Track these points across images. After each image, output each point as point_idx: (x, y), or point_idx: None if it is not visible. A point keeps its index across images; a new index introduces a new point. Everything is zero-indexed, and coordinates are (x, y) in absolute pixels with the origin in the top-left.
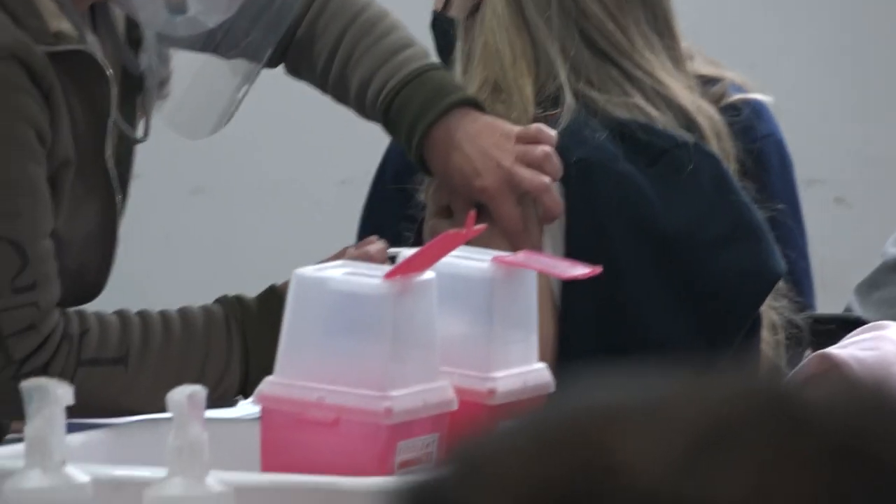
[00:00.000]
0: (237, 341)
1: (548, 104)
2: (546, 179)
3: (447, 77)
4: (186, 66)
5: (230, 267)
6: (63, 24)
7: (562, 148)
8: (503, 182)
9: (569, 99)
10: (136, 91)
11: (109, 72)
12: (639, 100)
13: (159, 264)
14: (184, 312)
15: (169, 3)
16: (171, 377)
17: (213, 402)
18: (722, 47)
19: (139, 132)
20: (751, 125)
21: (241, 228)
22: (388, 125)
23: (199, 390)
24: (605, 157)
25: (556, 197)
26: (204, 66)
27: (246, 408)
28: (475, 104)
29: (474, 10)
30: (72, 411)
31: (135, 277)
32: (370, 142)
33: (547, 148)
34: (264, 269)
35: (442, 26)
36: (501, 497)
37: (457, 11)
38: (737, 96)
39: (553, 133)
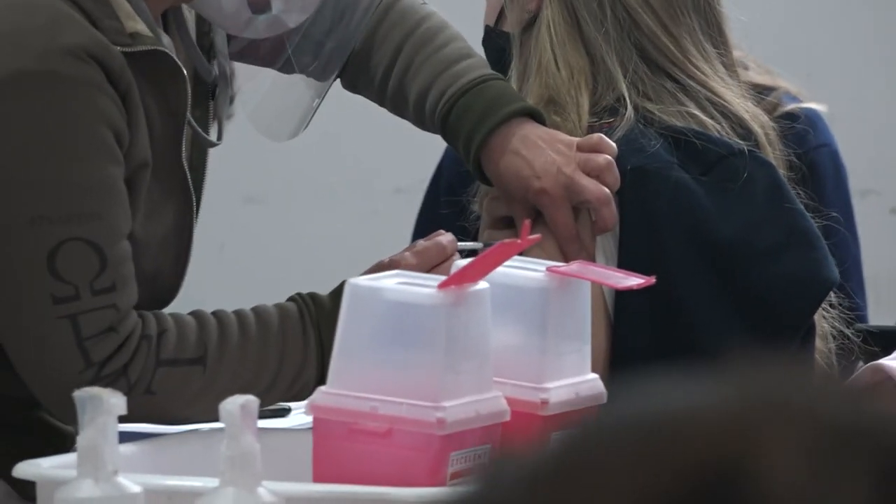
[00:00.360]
0: (313, 338)
1: (603, 114)
2: (607, 190)
3: (507, 87)
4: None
5: (285, 276)
6: (139, 26)
7: (617, 156)
8: (563, 187)
9: (629, 111)
10: (209, 96)
11: (185, 71)
12: (693, 108)
13: (214, 274)
14: (258, 311)
15: (252, 3)
16: (248, 375)
17: (291, 399)
18: (778, 56)
19: (213, 137)
20: (805, 134)
21: (296, 237)
22: (447, 133)
23: (251, 400)
24: (660, 165)
25: (614, 209)
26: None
27: (298, 418)
28: (535, 114)
29: (529, 24)
30: (151, 413)
31: (190, 288)
32: (425, 150)
33: (609, 157)
34: (319, 277)
35: (495, 42)
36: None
37: (511, 26)
38: (791, 105)
39: (613, 144)
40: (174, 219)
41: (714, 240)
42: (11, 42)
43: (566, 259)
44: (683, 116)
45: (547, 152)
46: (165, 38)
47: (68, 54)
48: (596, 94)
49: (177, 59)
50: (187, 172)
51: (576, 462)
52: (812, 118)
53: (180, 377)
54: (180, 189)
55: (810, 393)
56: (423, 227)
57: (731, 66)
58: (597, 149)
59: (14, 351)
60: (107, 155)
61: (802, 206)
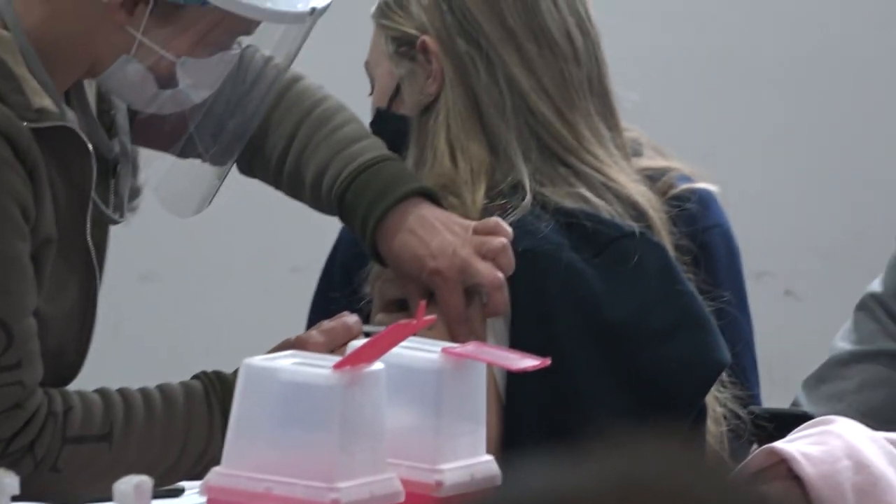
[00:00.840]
0: (218, 415)
1: (497, 197)
2: (501, 275)
3: (404, 167)
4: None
5: (181, 355)
6: (45, 101)
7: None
8: (457, 269)
9: (528, 198)
10: (109, 174)
11: (90, 146)
12: (585, 191)
13: (109, 354)
14: (163, 388)
15: (159, 78)
16: (154, 452)
17: (197, 477)
18: (674, 137)
19: (115, 214)
20: (697, 215)
21: (191, 315)
22: (343, 212)
23: (145, 480)
24: (550, 247)
25: (506, 294)
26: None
27: (192, 498)
28: (432, 195)
29: (428, 107)
30: (57, 490)
31: (85, 368)
32: (321, 230)
33: (504, 241)
34: (215, 357)
35: (388, 124)
36: None
37: (408, 109)
38: (683, 186)
39: (509, 228)
40: (77, 295)
41: (605, 321)
42: None
43: (455, 341)
44: (575, 198)
45: (443, 233)
46: (70, 114)
47: None
48: (494, 180)
49: (83, 136)
50: (91, 249)
51: None
52: (705, 199)
53: (86, 454)
54: (83, 265)
55: (681, 474)
56: (319, 307)
57: (622, 147)
58: (493, 232)
59: None
60: (13, 230)
61: (693, 288)
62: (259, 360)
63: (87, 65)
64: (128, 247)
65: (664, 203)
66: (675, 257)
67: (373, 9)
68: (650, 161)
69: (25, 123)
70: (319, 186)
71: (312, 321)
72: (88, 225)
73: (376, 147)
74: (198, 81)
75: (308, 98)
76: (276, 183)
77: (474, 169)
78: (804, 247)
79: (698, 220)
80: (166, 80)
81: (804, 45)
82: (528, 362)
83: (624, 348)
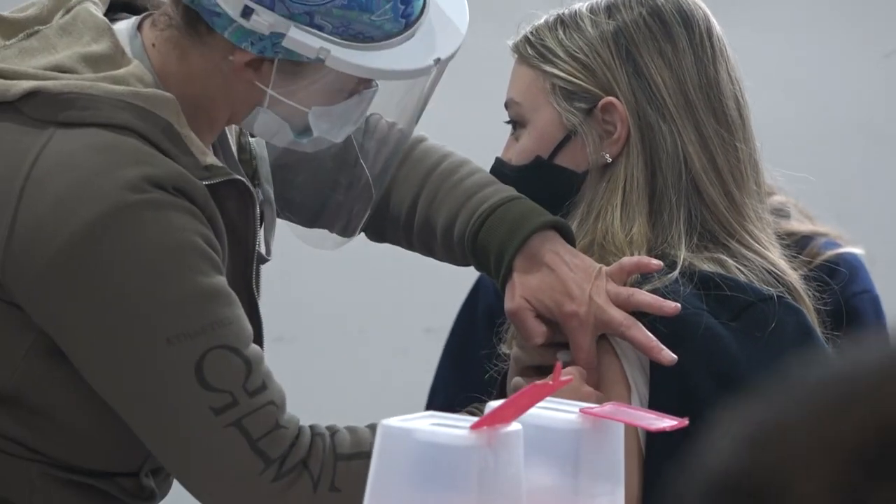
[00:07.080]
0: None
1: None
2: (633, 319)
3: (534, 204)
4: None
5: (314, 416)
6: (210, 158)
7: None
8: (592, 315)
9: (676, 272)
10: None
11: (256, 196)
12: (723, 256)
13: None
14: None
15: (294, 127)
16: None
17: None
18: (810, 198)
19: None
20: (847, 282)
21: (325, 377)
22: (476, 252)
23: None
24: (689, 311)
25: (644, 332)
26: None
27: None
28: (564, 229)
29: (603, 167)
30: None
31: None
32: (455, 290)
33: (632, 291)
34: (349, 417)
35: (544, 173)
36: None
37: (575, 163)
38: (831, 252)
39: (656, 263)
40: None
41: (742, 384)
42: (107, 180)
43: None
44: (713, 262)
45: (580, 276)
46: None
47: (157, 187)
48: (643, 250)
49: (251, 186)
50: (257, 298)
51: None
52: (853, 264)
53: (358, 472)
54: (252, 313)
55: None
56: (454, 345)
57: (769, 223)
58: (631, 273)
59: (179, 466)
60: (210, 264)
61: (833, 352)
62: (395, 421)
63: (226, 117)
64: (262, 308)
65: (811, 269)
66: (819, 323)
67: (513, 41)
68: (799, 225)
69: (202, 182)
70: (451, 233)
71: (443, 371)
72: (254, 275)
73: (505, 189)
74: (333, 125)
75: (432, 155)
76: (407, 239)
77: (634, 240)
78: None
79: (847, 286)
80: (302, 129)
81: None
82: (666, 422)
83: None
